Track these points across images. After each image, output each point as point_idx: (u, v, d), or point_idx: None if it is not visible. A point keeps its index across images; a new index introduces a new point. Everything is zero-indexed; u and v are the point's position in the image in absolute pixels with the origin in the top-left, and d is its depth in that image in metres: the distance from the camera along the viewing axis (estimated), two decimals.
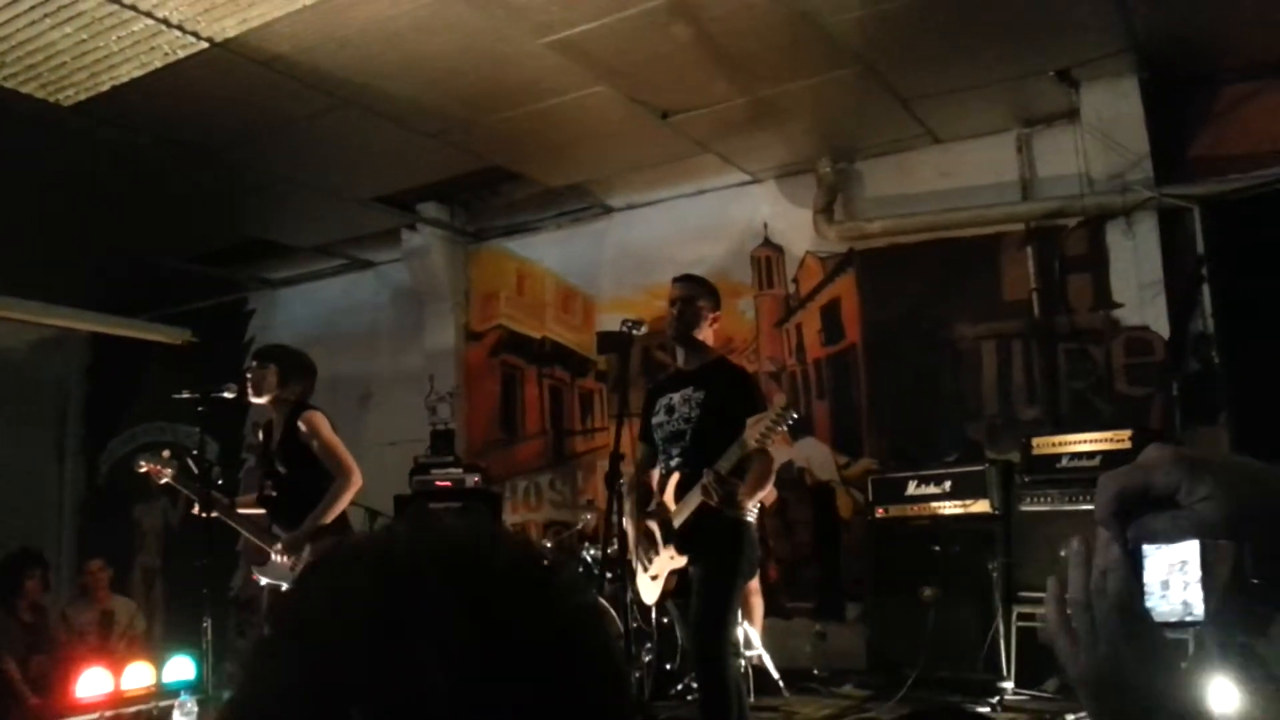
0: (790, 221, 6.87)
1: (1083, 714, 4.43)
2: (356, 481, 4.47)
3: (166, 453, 4.77)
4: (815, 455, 6.60)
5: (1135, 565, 0.76)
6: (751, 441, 3.45)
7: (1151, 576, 0.76)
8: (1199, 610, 0.74)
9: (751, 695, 5.27)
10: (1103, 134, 5.82)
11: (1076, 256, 6.04)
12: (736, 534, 3.64)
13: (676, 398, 3.86)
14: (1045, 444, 5.41)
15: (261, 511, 4.60)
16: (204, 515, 4.48)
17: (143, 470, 4.74)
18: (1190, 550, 0.76)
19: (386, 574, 0.61)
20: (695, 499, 3.57)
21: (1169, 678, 0.74)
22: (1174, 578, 0.76)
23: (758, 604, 5.58)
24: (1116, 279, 5.89)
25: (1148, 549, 0.76)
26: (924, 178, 6.45)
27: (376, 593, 0.59)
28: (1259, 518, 0.73)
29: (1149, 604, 0.75)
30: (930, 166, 6.46)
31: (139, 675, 6.37)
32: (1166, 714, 0.73)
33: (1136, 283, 5.81)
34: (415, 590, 0.59)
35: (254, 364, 4.61)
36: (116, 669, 6.26)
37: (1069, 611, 0.78)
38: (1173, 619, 0.75)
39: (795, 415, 3.49)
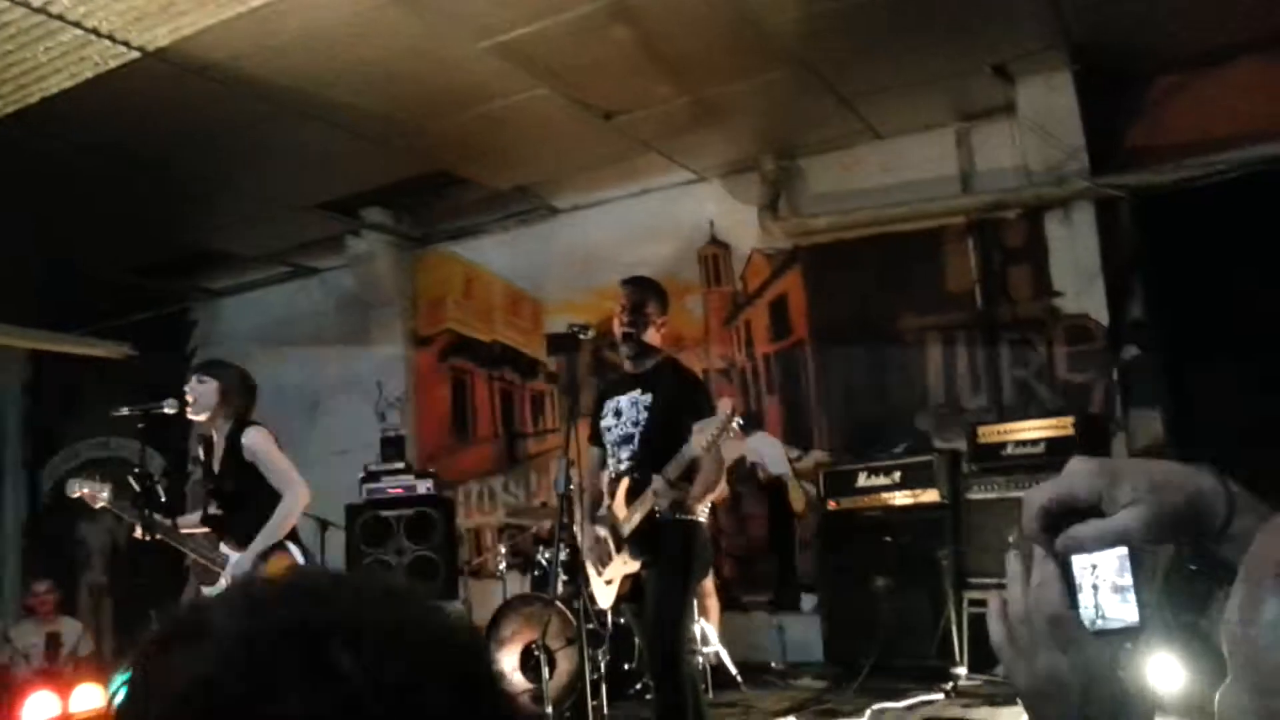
0: (736, 219, 6.91)
1: None
2: (304, 496, 4.41)
3: (98, 476, 4.67)
4: (767, 450, 6.65)
5: (1067, 576, 0.78)
6: (698, 448, 3.47)
7: (1083, 585, 0.78)
8: (1129, 615, 0.76)
9: (710, 691, 5.31)
10: (1039, 127, 5.93)
11: (1016, 247, 6.15)
12: (688, 536, 3.66)
13: (624, 401, 3.86)
14: (990, 433, 5.51)
15: (207, 530, 4.53)
16: (146, 539, 4.39)
17: (75, 495, 4.63)
18: (1116, 556, 0.77)
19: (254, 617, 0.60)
20: (645, 504, 3.58)
21: (1104, 685, 0.76)
22: (1101, 584, 0.78)
23: (713, 604, 5.62)
24: (1056, 268, 6.00)
25: (1076, 559, 0.78)
26: (866, 173, 6.53)
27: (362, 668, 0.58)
28: (1178, 517, 0.75)
29: (1082, 613, 0.77)
30: (872, 162, 6.53)
31: (88, 697, 6.24)
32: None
33: (1075, 272, 5.93)
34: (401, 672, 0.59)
35: (193, 380, 4.52)
36: (64, 692, 6.14)
37: (1010, 625, 0.80)
38: (1106, 626, 0.77)
39: (741, 421, 3.51)
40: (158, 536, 4.41)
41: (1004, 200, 6.12)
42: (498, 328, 7.76)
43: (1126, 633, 0.76)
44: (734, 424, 3.44)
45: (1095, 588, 0.77)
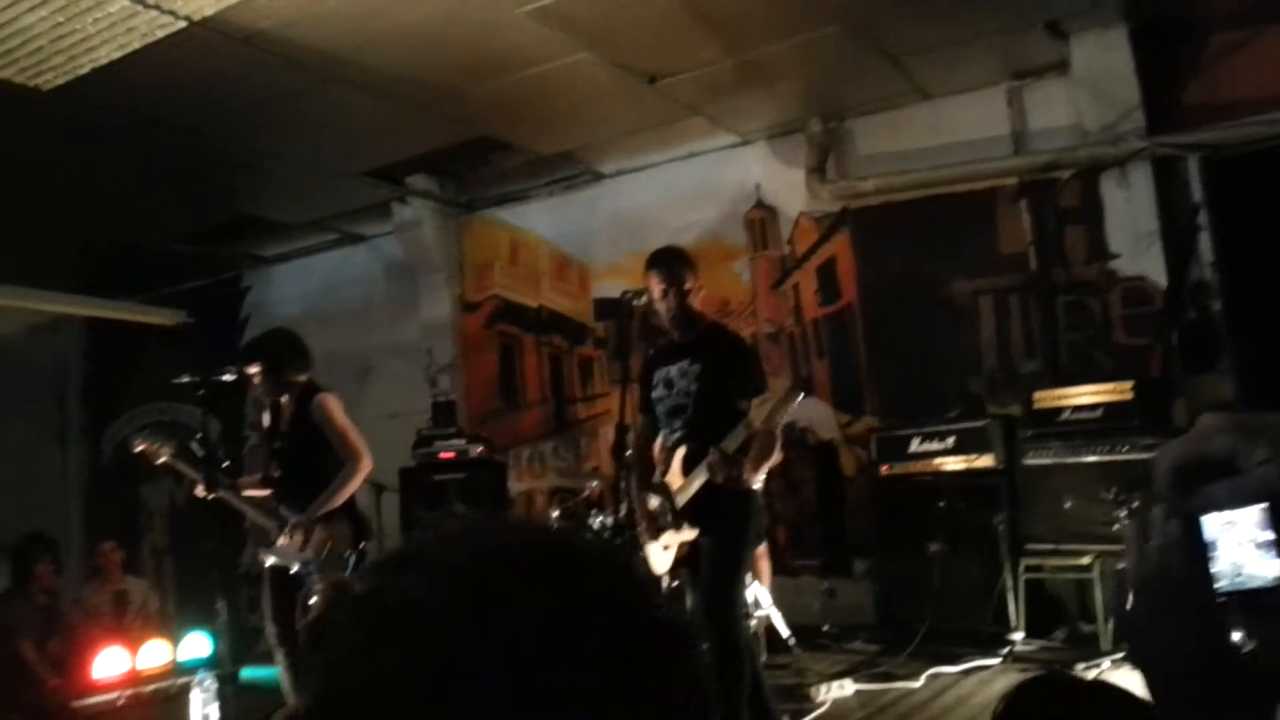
0: (783, 182, 6.84)
1: (1092, 663, 4.47)
2: (367, 465, 4.48)
3: (160, 432, 4.77)
4: (817, 415, 6.62)
5: (1194, 537, 0.75)
6: (757, 423, 3.47)
7: (1218, 544, 0.75)
8: (1272, 571, 0.73)
9: (764, 654, 5.34)
10: (1094, 85, 5.79)
11: (1071, 209, 6.02)
12: (743, 504, 3.66)
13: (674, 371, 3.85)
14: (1047, 398, 5.44)
15: (267, 493, 4.61)
16: (208, 498, 4.49)
17: (138, 450, 4.73)
18: (1257, 511, 0.75)
19: (490, 565, 0.61)
20: (701, 476, 3.59)
21: (1233, 653, 0.73)
22: (1242, 542, 0.75)
23: (765, 567, 5.62)
24: (1112, 230, 5.88)
25: (1209, 519, 0.75)
26: (915, 134, 6.42)
27: (492, 592, 0.59)
28: None
29: (1218, 574, 0.74)
30: (921, 123, 6.42)
31: (155, 654, 6.45)
32: (1233, 693, 0.72)
33: (1132, 233, 5.80)
34: (529, 581, 0.60)
35: (243, 362, 4.61)
36: (133, 648, 6.34)
37: (1129, 592, 0.77)
38: (1244, 585, 0.74)
39: (801, 396, 3.50)
40: (220, 497, 4.51)
41: (1058, 161, 5.98)
42: (544, 293, 7.77)
43: (1266, 593, 0.73)
44: (792, 402, 3.43)
45: (1236, 546, 0.75)
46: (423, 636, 0.58)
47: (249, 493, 4.66)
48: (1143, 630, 0.75)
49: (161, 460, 4.69)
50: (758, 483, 3.73)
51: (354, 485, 4.47)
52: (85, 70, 5.12)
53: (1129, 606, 0.77)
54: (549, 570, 0.62)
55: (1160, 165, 5.71)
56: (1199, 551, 0.73)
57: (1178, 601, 0.73)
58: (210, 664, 5.50)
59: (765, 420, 3.45)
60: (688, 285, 3.83)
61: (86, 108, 5.51)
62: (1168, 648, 0.73)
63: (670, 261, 3.91)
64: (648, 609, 0.64)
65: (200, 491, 4.51)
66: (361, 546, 4.51)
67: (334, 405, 4.52)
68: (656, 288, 3.84)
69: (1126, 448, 5.10)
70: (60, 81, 5.21)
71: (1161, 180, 5.73)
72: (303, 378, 4.59)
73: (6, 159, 6.20)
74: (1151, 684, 0.75)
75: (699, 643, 0.67)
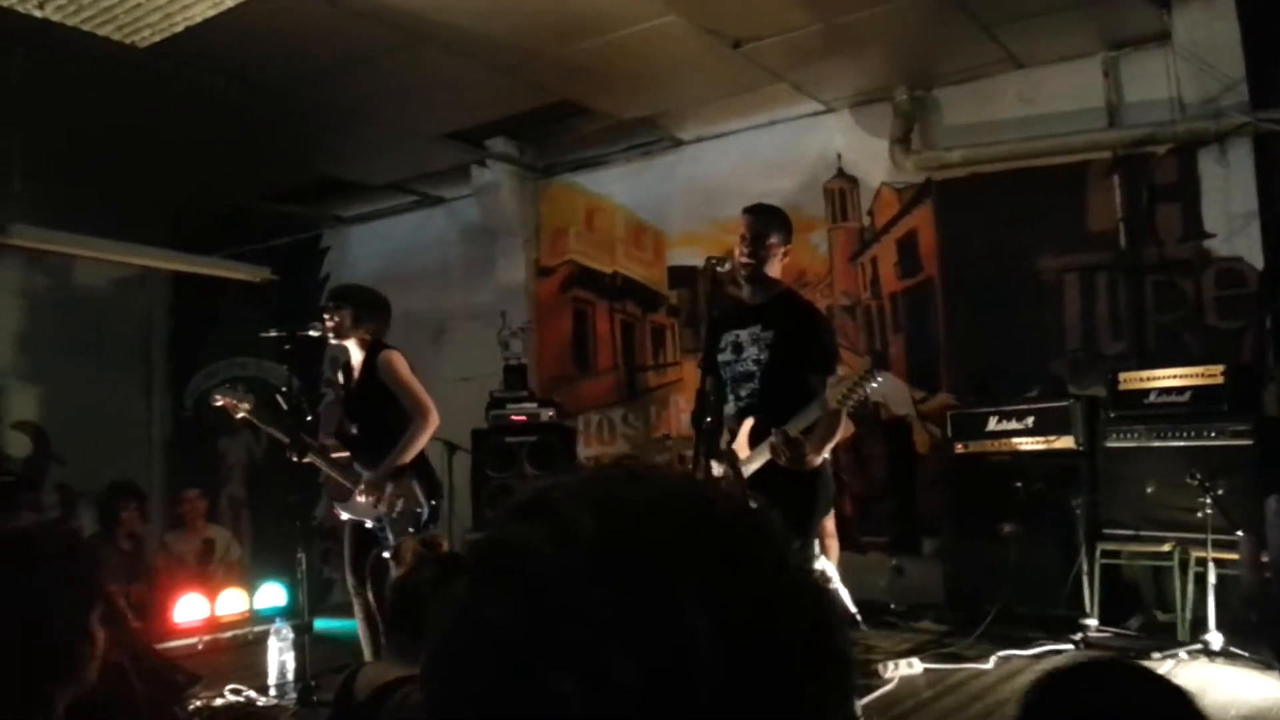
0: (865, 152, 6.72)
1: (1169, 653, 4.38)
2: (434, 421, 4.54)
3: (241, 387, 4.87)
4: (891, 390, 6.53)
5: None
6: (832, 403, 3.41)
7: None
8: None
9: None
10: (1196, 56, 5.57)
11: (1166, 185, 5.83)
12: (810, 478, 3.61)
13: (744, 335, 3.78)
14: (1133, 379, 5.30)
15: (346, 455, 4.70)
16: (301, 461, 4.59)
17: (218, 404, 4.84)
18: None
19: (617, 518, 0.59)
20: (764, 454, 3.55)
21: None
22: None
23: (833, 544, 5.58)
24: (1208, 208, 5.68)
25: None
26: (1005, 105, 6.25)
27: (612, 537, 0.58)
28: None
29: None
30: (1012, 93, 6.25)
31: (233, 601, 6.64)
32: None
33: (1229, 212, 5.60)
34: (656, 536, 0.58)
35: (330, 305, 4.67)
36: (211, 595, 6.53)
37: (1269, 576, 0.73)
38: None
39: (879, 379, 3.42)
40: (306, 459, 4.61)
41: (1154, 135, 5.78)
42: (619, 259, 7.77)
43: None
44: (870, 384, 3.36)
45: None
46: (543, 586, 0.57)
47: (335, 455, 4.75)
48: None
49: (241, 415, 4.79)
50: (824, 456, 3.68)
51: (422, 440, 4.53)
52: (180, 28, 5.21)
53: (1263, 589, 0.73)
54: (679, 521, 0.60)
55: (1262, 142, 5.49)
56: None
57: None
58: (287, 614, 5.65)
59: (840, 399, 3.39)
60: (771, 241, 3.76)
61: (179, 66, 5.61)
62: None
63: (764, 214, 3.83)
64: (781, 559, 0.63)
65: (293, 457, 4.60)
66: (433, 503, 4.59)
67: (399, 361, 4.58)
68: (741, 234, 3.79)
69: (1214, 433, 4.95)
70: (156, 39, 5.32)
71: (1262, 158, 5.51)
72: (372, 335, 4.66)
73: (101, 115, 6.37)
74: None
75: (834, 600, 0.65)
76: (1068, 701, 1.18)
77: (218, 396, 4.84)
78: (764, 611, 0.58)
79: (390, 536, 4.48)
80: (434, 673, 0.61)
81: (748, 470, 3.68)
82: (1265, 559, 3.83)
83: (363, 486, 4.52)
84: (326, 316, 4.64)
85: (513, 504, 0.63)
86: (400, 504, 4.51)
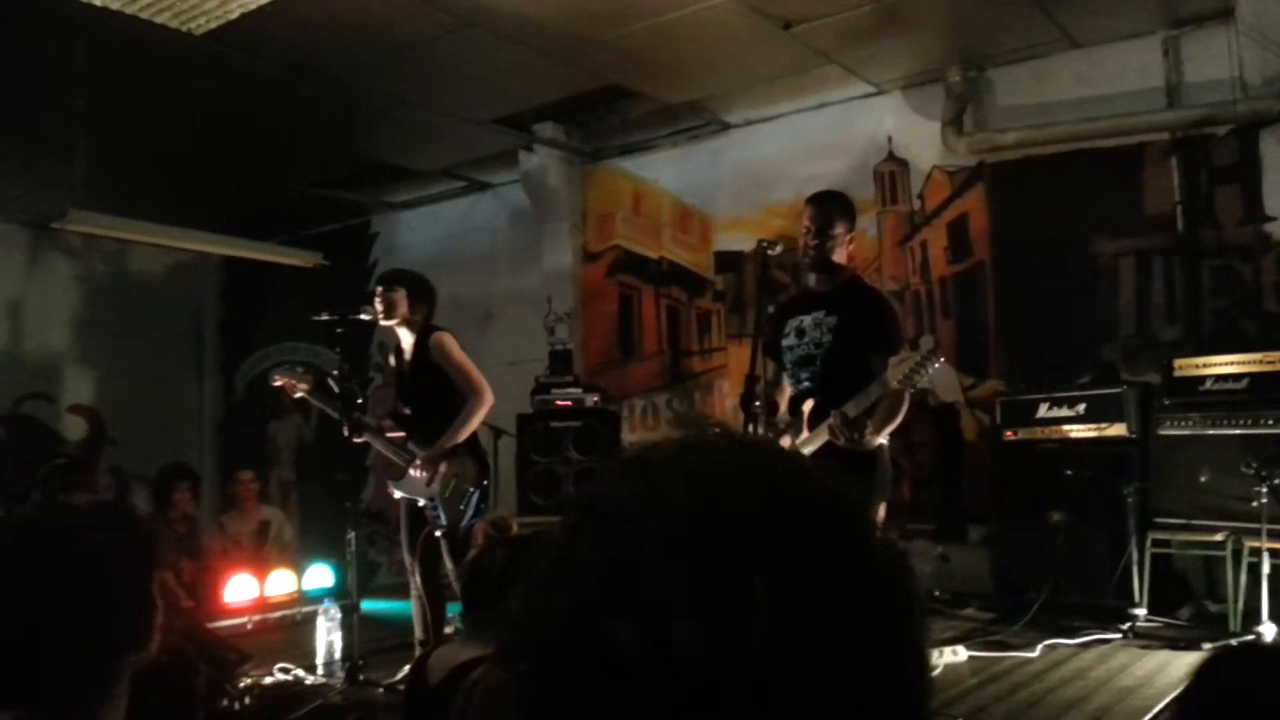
0: (916, 134, 6.63)
1: (1221, 643, 4.30)
2: (488, 400, 4.59)
3: (301, 368, 4.94)
4: (939, 376, 6.41)
5: None
6: (893, 383, 3.38)
7: None
8: None
9: None
10: (1260, 34, 5.42)
11: (1226, 167, 5.69)
12: (869, 461, 3.59)
13: (808, 320, 3.78)
14: (1188, 365, 5.19)
15: (401, 434, 4.75)
16: (354, 440, 4.65)
17: (277, 384, 4.91)
18: None
19: (704, 484, 0.61)
20: (823, 435, 3.53)
21: None
22: None
23: None
24: (1270, 190, 5.54)
25: None
26: (1061, 85, 6.13)
27: (697, 501, 0.60)
28: None
29: None
30: (1068, 73, 6.12)
31: (282, 582, 6.76)
32: None
33: None
34: (738, 503, 0.60)
35: (380, 288, 4.72)
36: (261, 576, 6.64)
37: None
38: None
39: (941, 359, 3.40)
40: (363, 439, 4.67)
41: (1214, 115, 5.64)
42: (665, 244, 7.75)
43: None
44: (933, 364, 3.33)
45: None
46: (627, 541, 0.60)
47: (391, 435, 4.81)
48: None
49: (299, 395, 4.86)
50: (882, 439, 3.65)
51: (477, 419, 4.58)
52: (235, 15, 5.27)
53: None
54: (762, 486, 0.62)
55: None
56: None
57: None
58: (335, 594, 5.72)
59: (901, 379, 3.36)
60: (836, 230, 3.74)
61: (234, 52, 5.68)
62: None
63: (828, 202, 3.82)
64: (859, 528, 0.64)
65: (348, 436, 4.67)
66: (485, 484, 4.62)
67: (451, 342, 4.63)
68: (806, 223, 3.77)
69: (1272, 421, 4.85)
70: (211, 26, 5.38)
71: None
72: (422, 318, 4.70)
73: (157, 102, 6.47)
74: None
75: (912, 577, 0.66)
76: (1237, 687, 1.15)
77: (277, 376, 4.92)
78: (835, 585, 0.59)
79: (442, 515, 4.53)
80: (519, 605, 0.64)
81: (806, 451, 3.67)
82: None
83: (418, 462, 4.56)
84: (377, 300, 4.68)
85: (616, 462, 0.67)
86: (454, 483, 4.55)
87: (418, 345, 4.67)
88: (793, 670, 0.56)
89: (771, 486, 0.62)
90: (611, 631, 0.57)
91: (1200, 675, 1.17)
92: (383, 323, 4.74)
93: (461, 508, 4.51)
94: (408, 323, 4.70)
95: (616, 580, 0.58)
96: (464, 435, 4.54)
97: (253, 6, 5.16)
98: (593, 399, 6.95)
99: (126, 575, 1.39)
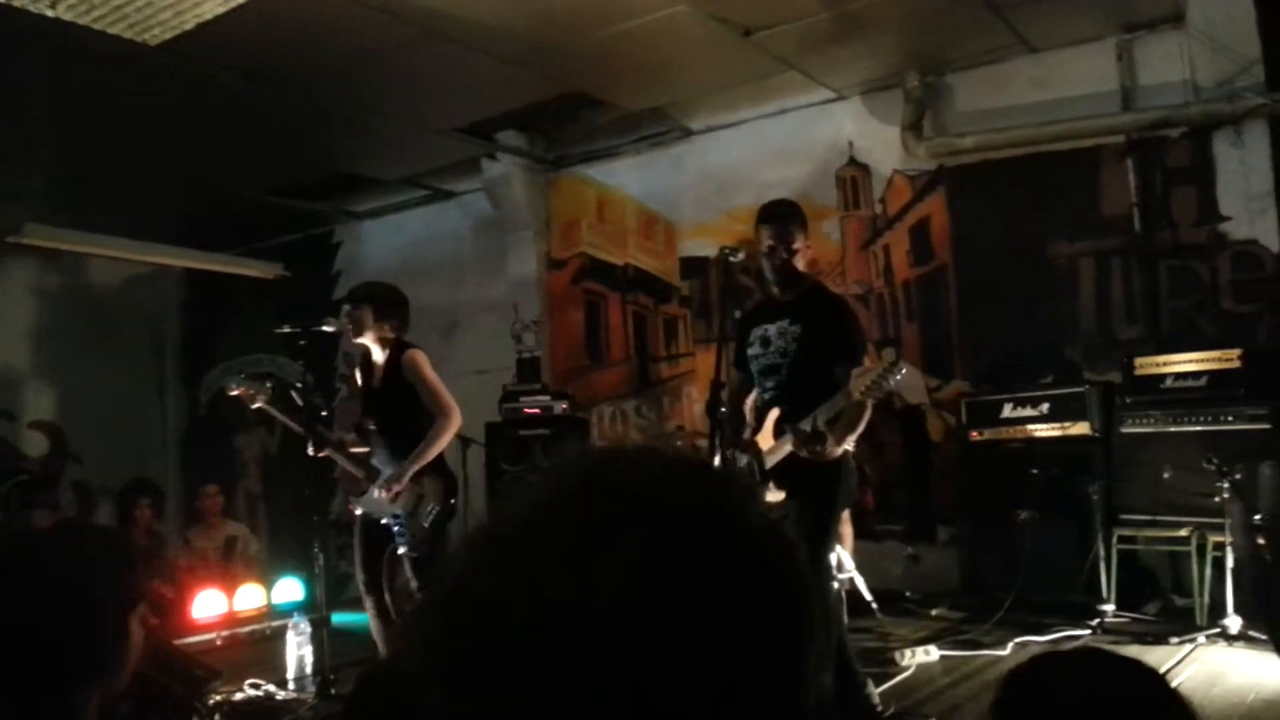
0: (877, 139, 6.70)
1: (1186, 638, 4.37)
2: (456, 422, 4.54)
3: (258, 377, 4.88)
4: (904, 378, 6.50)
5: None
6: (856, 394, 3.41)
7: None
8: None
9: (846, 617, 5.32)
10: (1211, 38, 5.54)
11: (1180, 169, 5.80)
12: (832, 470, 3.62)
13: (772, 330, 3.81)
14: (1148, 364, 5.28)
15: (365, 450, 4.71)
16: (318, 455, 4.60)
17: (234, 393, 4.85)
18: None
19: (592, 491, 0.65)
20: (787, 446, 3.56)
21: None
22: None
23: (847, 531, 5.58)
24: (1223, 191, 5.65)
25: None
26: (1018, 89, 6.22)
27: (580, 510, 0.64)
28: None
29: None
30: (1024, 77, 6.21)
31: (250, 597, 6.68)
32: None
33: (1245, 195, 5.57)
34: (613, 511, 0.63)
35: (348, 306, 4.68)
36: (229, 591, 6.57)
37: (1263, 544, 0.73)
38: None
39: (903, 372, 3.43)
40: (324, 453, 4.62)
41: (1168, 118, 5.75)
42: (631, 251, 7.76)
43: None
44: (895, 377, 3.36)
45: None
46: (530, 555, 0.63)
47: (355, 450, 4.76)
48: None
49: (257, 405, 4.80)
50: (845, 447, 3.68)
51: (445, 440, 4.54)
52: (190, 25, 5.22)
53: (1257, 557, 0.72)
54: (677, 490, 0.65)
55: (1278, 123, 5.45)
56: None
57: None
58: (304, 608, 5.67)
59: (864, 391, 3.39)
60: (796, 244, 3.77)
61: (190, 63, 5.62)
62: None
63: (783, 218, 3.83)
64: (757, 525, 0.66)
65: (311, 450, 4.62)
66: (451, 502, 4.58)
67: (424, 361, 4.59)
68: (765, 242, 3.78)
69: (1231, 418, 4.93)
70: (166, 37, 5.32)
71: (1279, 139, 5.47)
72: (393, 333, 4.67)
73: (113, 114, 6.39)
74: None
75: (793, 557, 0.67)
76: (1042, 691, 1.20)
77: (234, 386, 4.85)
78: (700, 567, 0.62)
79: (407, 534, 4.49)
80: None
81: (770, 461, 3.69)
82: (1259, 525, 3.79)
83: (382, 482, 4.52)
84: (346, 315, 4.64)
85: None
86: (419, 502, 4.51)
87: (389, 362, 4.63)
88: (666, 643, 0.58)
89: (640, 491, 0.65)
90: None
91: (1006, 685, 1.23)
92: (354, 340, 4.70)
93: (426, 525, 4.47)
94: (379, 338, 4.66)
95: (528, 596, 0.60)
96: (431, 456, 4.49)
97: (208, 17, 5.11)
98: (561, 406, 6.94)
99: (93, 605, 1.37)
